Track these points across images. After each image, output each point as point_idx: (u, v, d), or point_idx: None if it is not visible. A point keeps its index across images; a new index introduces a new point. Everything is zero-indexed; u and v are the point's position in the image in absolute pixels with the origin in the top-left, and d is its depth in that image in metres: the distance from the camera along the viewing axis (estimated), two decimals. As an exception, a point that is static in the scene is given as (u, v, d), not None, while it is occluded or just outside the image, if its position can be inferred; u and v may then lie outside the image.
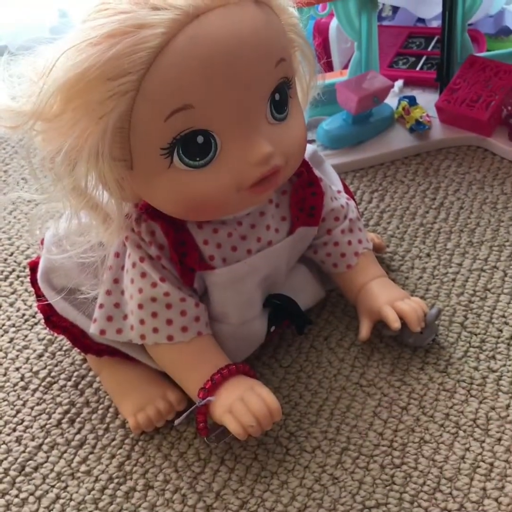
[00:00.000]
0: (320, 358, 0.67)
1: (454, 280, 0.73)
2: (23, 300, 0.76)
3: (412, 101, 0.92)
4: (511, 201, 0.82)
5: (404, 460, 0.58)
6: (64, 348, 0.70)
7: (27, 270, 0.73)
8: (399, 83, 0.99)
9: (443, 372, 0.64)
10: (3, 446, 0.62)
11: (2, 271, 0.79)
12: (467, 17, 0.93)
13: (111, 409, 0.64)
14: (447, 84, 0.93)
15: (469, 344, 0.67)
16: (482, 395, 0.62)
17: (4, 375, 0.68)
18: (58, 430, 0.63)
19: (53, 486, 0.59)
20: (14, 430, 0.63)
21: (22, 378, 0.68)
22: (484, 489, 0.56)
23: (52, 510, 0.58)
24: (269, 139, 0.52)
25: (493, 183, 0.85)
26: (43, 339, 0.71)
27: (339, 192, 0.69)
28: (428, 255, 0.76)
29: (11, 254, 0.81)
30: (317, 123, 0.92)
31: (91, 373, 0.68)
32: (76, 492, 0.59)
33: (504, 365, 0.64)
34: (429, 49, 1.06)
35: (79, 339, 0.63)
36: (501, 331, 0.68)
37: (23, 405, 0.65)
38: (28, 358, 0.69)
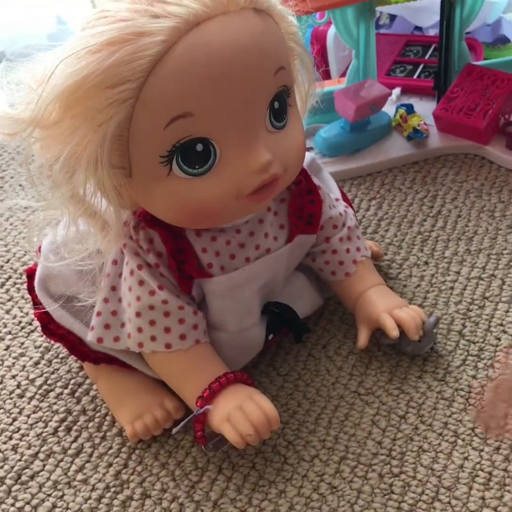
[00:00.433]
0: (318, 366, 0.67)
1: (452, 288, 0.73)
2: (19, 308, 0.75)
3: (410, 109, 0.92)
4: (508, 209, 0.82)
5: (403, 469, 0.58)
6: (61, 355, 0.70)
7: (24, 277, 0.73)
8: (396, 91, 0.99)
9: (442, 380, 0.64)
10: (-1, 455, 0.62)
11: (-1, 278, 0.79)
12: (465, 26, 0.93)
13: (108, 417, 0.64)
14: (445, 92, 0.93)
15: (467, 353, 0.67)
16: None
17: (0, 382, 0.68)
18: (54, 438, 0.63)
19: (49, 495, 0.59)
20: (10, 438, 0.63)
21: (18, 386, 0.67)
22: (483, 498, 0.56)
23: (48, 519, 0.57)
24: (268, 147, 0.52)
25: (491, 191, 0.85)
26: (39, 346, 0.71)
27: (337, 200, 0.69)
28: (426, 263, 0.76)
29: (8, 261, 0.81)
30: (315, 130, 0.92)
31: (88, 381, 0.67)
32: (73, 501, 0.58)
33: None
34: (427, 57, 1.06)
35: (76, 346, 0.63)
36: (499, 339, 0.67)
37: (20, 413, 0.65)
38: (24, 366, 0.69)
